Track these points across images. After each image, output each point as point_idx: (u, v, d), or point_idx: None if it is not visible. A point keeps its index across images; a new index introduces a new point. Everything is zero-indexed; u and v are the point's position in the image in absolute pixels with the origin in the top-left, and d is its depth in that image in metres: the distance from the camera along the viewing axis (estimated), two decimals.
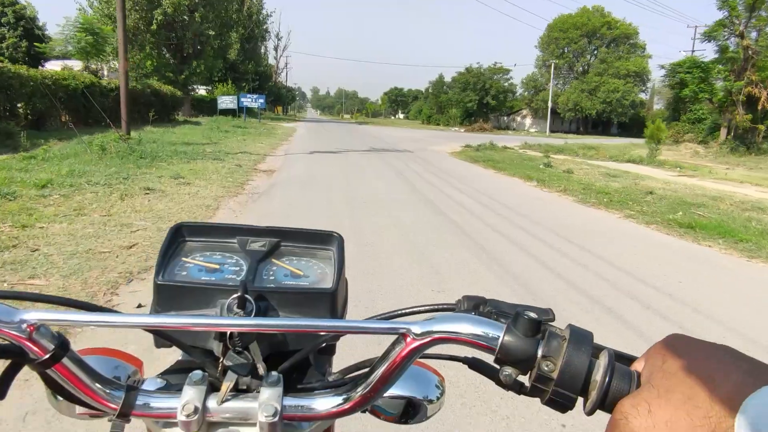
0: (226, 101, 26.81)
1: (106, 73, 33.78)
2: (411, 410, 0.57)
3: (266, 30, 58.36)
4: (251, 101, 26.62)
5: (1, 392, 0.42)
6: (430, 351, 0.45)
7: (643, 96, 59.41)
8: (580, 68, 59.52)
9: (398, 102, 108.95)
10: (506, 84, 62.95)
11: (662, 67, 29.85)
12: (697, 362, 0.35)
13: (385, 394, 0.50)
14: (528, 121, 65.42)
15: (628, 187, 9.73)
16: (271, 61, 78.32)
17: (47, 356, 0.40)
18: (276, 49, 77.90)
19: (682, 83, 27.85)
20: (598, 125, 63.72)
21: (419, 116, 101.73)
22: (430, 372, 0.60)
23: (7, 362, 0.42)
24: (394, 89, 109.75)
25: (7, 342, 0.40)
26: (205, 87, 44.80)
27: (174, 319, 0.43)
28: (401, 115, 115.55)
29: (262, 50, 63.53)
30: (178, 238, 0.60)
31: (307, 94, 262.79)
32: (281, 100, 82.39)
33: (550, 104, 50.05)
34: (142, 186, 6.19)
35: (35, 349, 0.40)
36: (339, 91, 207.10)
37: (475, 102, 62.02)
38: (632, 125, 59.41)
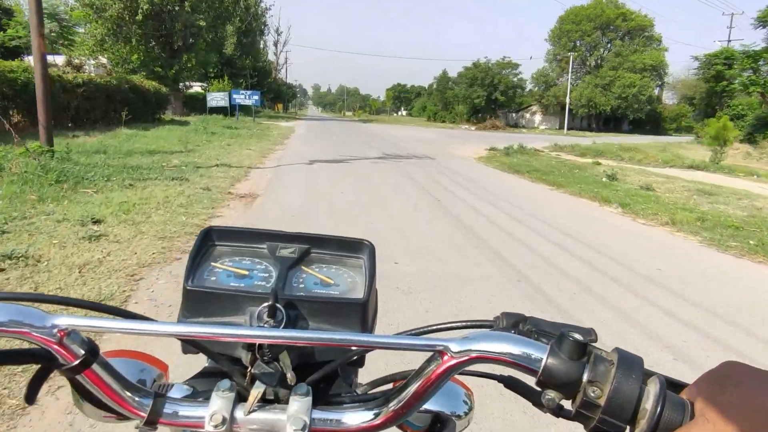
0: (216, 98, 23.98)
1: (92, 69, 31.13)
2: (439, 425, 0.55)
3: (264, 24, 55.48)
4: (244, 98, 23.71)
5: (30, 397, 0.42)
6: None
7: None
8: (593, 62, 56.57)
9: (401, 99, 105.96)
10: (515, 79, 60.07)
11: (696, 58, 27.09)
12: (757, 394, 0.32)
13: None
14: (537, 118, 62.49)
15: (755, 215, 6.95)
16: (271, 57, 75.69)
17: (77, 362, 0.40)
18: (276, 44, 74.91)
19: (718, 76, 25.19)
20: (609, 122, 60.85)
21: (423, 113, 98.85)
22: (459, 386, 0.59)
23: (36, 367, 0.41)
24: (397, 85, 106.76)
25: (37, 347, 0.40)
26: (200, 83, 42.04)
27: (204, 328, 0.43)
28: (403, 112, 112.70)
29: (261, 45, 60.72)
30: (207, 242, 0.58)
31: (309, 92, 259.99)
32: (281, 97, 79.71)
33: (568, 100, 47.08)
34: (2, 252, 3.42)
35: (65, 354, 0.40)
36: (340, 88, 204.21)
37: (483, 98, 59.10)
38: (645, 122, 56.48)
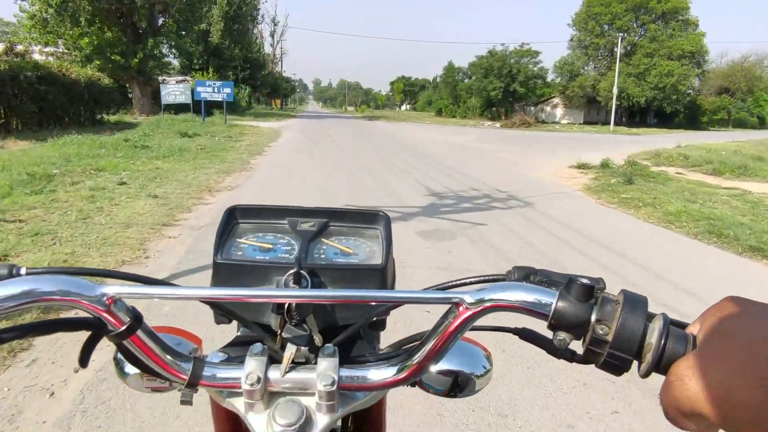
0: (173, 92, 17.73)
1: (37, 56, 25.02)
2: (459, 384, 0.58)
3: (257, 9, 49.21)
4: (212, 91, 17.42)
5: (82, 362, 0.45)
6: (480, 323, 0.47)
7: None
8: (624, 49, 50.18)
9: (406, 92, 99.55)
10: (535, 69, 53.71)
11: None
12: (754, 323, 0.34)
13: (434, 369, 0.55)
14: (559, 111, 56.12)
15: None
16: (267, 49, 69.53)
17: (124, 328, 0.43)
18: (272, 35, 68.35)
19: None
20: (634, 115, 54.64)
21: (429, 107, 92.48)
22: (478, 347, 0.61)
23: (87, 334, 0.44)
24: (401, 78, 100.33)
25: (87, 315, 0.42)
26: (183, 77, 36.01)
27: (238, 291, 0.46)
28: (406, 107, 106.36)
29: (254, 34, 54.42)
30: (231, 220, 0.61)
31: (309, 87, 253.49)
32: (278, 92, 73.49)
33: (615, 90, 40.51)
34: None
35: (113, 321, 0.42)
36: (341, 83, 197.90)
37: (500, 90, 52.83)
38: (671, 114, 50.11)
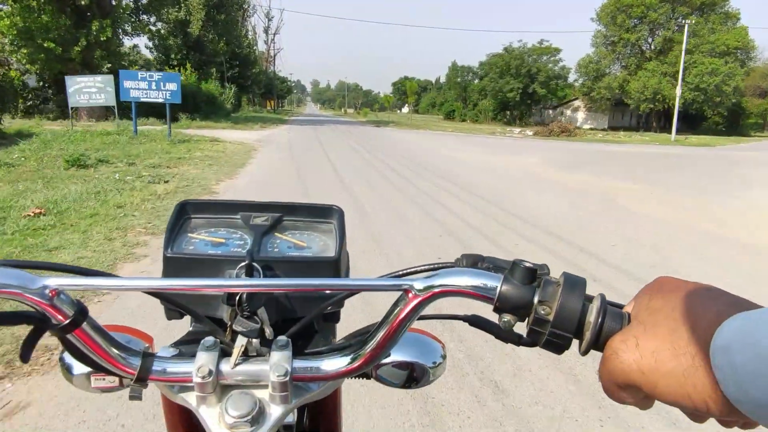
0: (86, 89, 11.49)
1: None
2: (415, 376, 0.58)
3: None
4: (147, 88, 11.18)
5: (24, 356, 0.43)
6: (431, 312, 0.49)
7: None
8: (656, 46, 44.50)
9: (407, 94, 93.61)
10: (557, 68, 48.04)
11: None
12: (681, 298, 0.36)
13: (389, 361, 0.56)
14: (580, 115, 50.37)
15: None
16: (261, 47, 63.70)
17: (67, 322, 0.41)
18: (266, 31, 62.14)
19: None
20: (659, 118, 49.04)
21: (433, 109, 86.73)
22: (432, 339, 0.61)
23: (30, 328, 0.42)
24: (403, 79, 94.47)
25: (29, 308, 0.41)
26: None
27: (187, 281, 0.45)
28: (408, 109, 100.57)
29: (244, 27, 48.54)
30: (183, 215, 0.60)
31: (308, 88, 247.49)
32: (272, 92, 67.67)
33: (679, 91, 34.67)
34: None
35: (56, 314, 0.41)
36: (340, 84, 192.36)
37: (518, 91, 47.15)
38: (696, 117, 44.38)
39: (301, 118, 38.87)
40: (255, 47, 48.94)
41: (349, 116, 63.07)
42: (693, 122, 46.22)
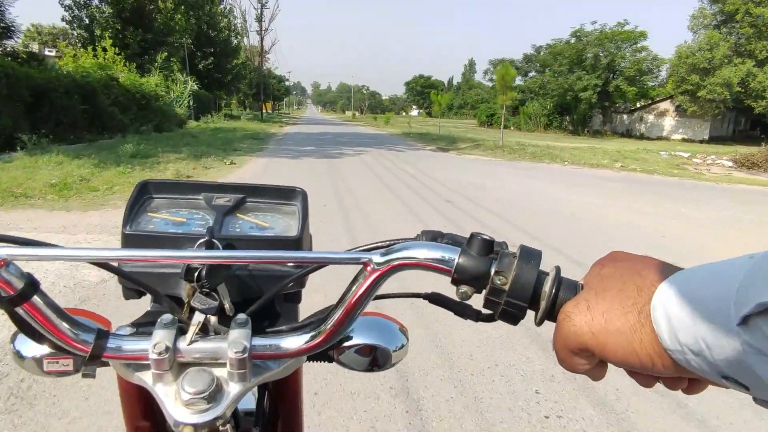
0: None
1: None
2: (377, 360, 0.57)
3: None
4: None
5: None
6: (391, 291, 0.49)
7: None
8: None
9: (425, 94, 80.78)
10: (648, 58, 35.08)
11: None
12: (628, 266, 0.38)
13: (351, 344, 0.54)
14: (668, 122, 37.45)
15: None
16: (254, 41, 50.94)
17: (16, 293, 0.39)
18: (259, 20, 48.14)
19: None
20: (756, 125, 36.40)
21: (449, 113, 73.92)
22: (394, 323, 0.60)
23: None
24: (419, 78, 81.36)
25: None
26: (90, 67, 17.36)
27: (145, 252, 0.43)
28: (418, 112, 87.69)
29: (229, 4, 35.46)
30: (144, 194, 0.58)
31: (308, 90, 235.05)
32: (267, 92, 54.68)
33: None
34: None
35: (4, 286, 0.39)
36: (341, 86, 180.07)
37: (595, 89, 34.35)
38: None
39: (296, 131, 24.56)
40: (235, 29, 35.68)
41: (357, 121, 49.45)
42: None
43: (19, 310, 0.40)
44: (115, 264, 0.48)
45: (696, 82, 31.99)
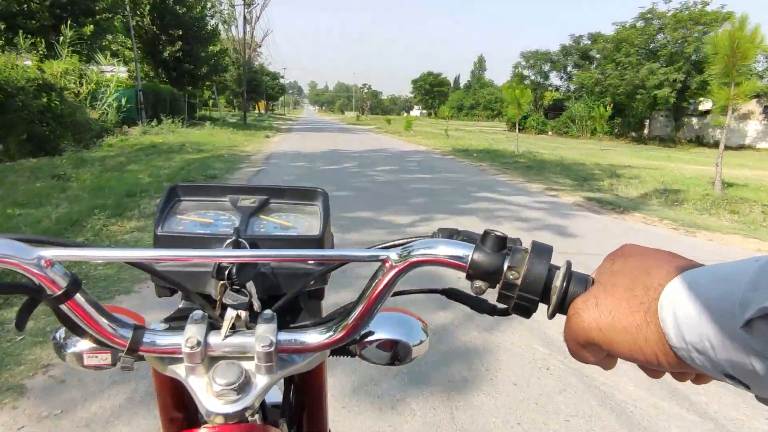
0: None
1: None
2: (398, 354, 0.59)
3: None
4: None
5: (20, 325, 0.44)
6: (409, 288, 0.53)
7: None
8: None
9: (433, 93, 73.00)
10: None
11: None
12: (639, 261, 0.38)
13: (373, 339, 0.57)
14: (753, 126, 29.80)
15: None
16: (241, 32, 43.36)
17: (61, 292, 0.42)
18: (248, 4, 39.66)
19: None
20: None
21: (459, 113, 66.18)
22: (415, 319, 0.62)
23: (25, 298, 0.42)
24: (428, 75, 73.53)
25: (25, 279, 0.41)
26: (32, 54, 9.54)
27: (180, 252, 0.46)
28: (421, 112, 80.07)
29: None
30: (173, 197, 0.61)
31: (305, 90, 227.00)
32: (259, 90, 46.76)
33: None
34: None
35: (50, 285, 0.41)
36: (338, 85, 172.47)
37: (674, 86, 26.76)
38: None
39: (288, 148, 15.14)
40: (214, 7, 27.66)
41: (363, 124, 41.17)
42: None
43: (63, 307, 0.43)
44: (148, 264, 0.50)
45: None
